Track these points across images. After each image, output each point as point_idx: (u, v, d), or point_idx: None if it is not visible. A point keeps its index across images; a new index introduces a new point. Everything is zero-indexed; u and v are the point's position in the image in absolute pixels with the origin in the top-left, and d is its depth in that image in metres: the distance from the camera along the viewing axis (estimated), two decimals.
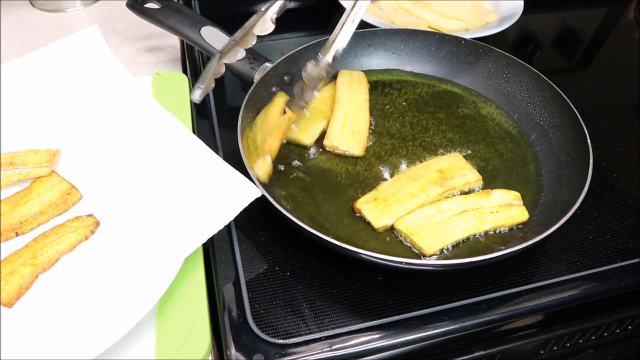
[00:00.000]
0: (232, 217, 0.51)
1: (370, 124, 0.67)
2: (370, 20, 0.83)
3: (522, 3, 0.89)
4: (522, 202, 0.57)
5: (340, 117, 0.66)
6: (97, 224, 0.54)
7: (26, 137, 0.62)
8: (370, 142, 0.65)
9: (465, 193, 0.59)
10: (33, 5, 0.93)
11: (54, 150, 0.60)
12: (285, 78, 0.70)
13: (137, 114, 0.63)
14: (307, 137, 0.64)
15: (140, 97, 0.65)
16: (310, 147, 0.64)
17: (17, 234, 0.54)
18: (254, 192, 0.52)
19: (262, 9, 0.59)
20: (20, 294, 0.49)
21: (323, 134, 0.66)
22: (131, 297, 0.47)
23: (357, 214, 0.57)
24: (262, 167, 0.59)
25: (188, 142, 0.59)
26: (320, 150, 0.64)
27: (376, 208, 0.56)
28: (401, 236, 0.55)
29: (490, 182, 0.61)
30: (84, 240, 0.53)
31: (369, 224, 0.56)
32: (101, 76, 0.67)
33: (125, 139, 0.61)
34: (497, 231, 0.56)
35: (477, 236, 0.55)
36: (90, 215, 0.55)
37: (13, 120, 0.63)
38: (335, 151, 0.64)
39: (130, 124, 0.63)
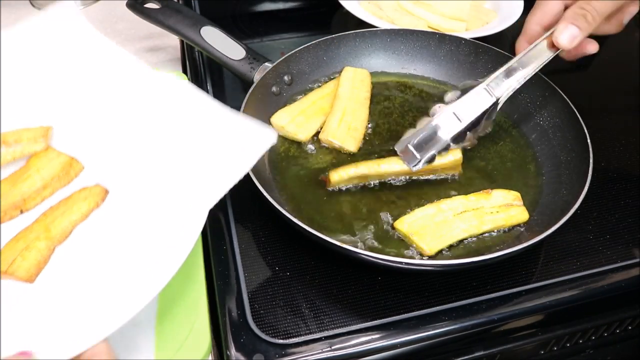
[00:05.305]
0: (253, 163, 0.48)
1: (370, 124, 0.67)
2: (370, 20, 0.83)
3: (522, 3, 0.89)
4: (522, 202, 0.57)
5: (339, 112, 0.66)
6: (106, 192, 0.52)
7: (15, 115, 0.57)
8: (371, 143, 0.65)
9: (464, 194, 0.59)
10: (33, 5, 0.93)
11: (46, 127, 0.57)
12: (285, 78, 0.70)
13: (125, 77, 0.58)
14: (303, 132, 0.64)
15: (127, 61, 0.59)
16: (307, 143, 0.64)
17: (21, 212, 0.52)
18: (272, 136, 0.49)
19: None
20: (39, 269, 0.47)
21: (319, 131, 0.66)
22: (159, 256, 0.44)
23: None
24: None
25: (190, 95, 0.54)
26: (318, 147, 0.64)
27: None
28: (401, 236, 0.55)
29: (490, 182, 0.61)
30: (95, 208, 0.51)
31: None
32: (83, 47, 0.60)
33: (118, 104, 0.57)
34: (497, 231, 0.56)
35: (477, 236, 0.55)
36: (97, 185, 0.52)
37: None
38: (331, 147, 0.64)
39: (121, 88, 0.58)
